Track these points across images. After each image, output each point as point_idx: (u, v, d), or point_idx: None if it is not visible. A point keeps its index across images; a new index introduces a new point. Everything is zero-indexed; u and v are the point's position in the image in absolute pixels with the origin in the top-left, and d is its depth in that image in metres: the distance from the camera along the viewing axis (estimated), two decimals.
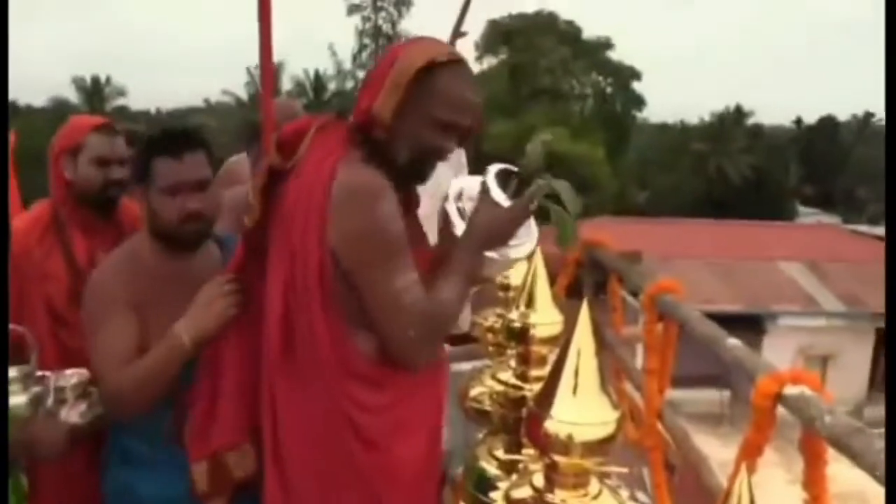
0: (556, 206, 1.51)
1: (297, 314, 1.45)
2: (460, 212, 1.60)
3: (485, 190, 1.54)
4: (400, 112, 1.44)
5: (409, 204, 1.58)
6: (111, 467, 1.76)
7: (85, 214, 2.06)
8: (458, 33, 2.26)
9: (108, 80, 38.13)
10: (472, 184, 1.63)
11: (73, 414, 1.68)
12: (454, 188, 1.64)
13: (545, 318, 2.10)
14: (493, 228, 1.51)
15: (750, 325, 16.39)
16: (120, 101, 38.69)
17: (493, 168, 1.57)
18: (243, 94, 36.82)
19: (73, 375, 1.72)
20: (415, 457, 1.54)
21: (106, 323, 1.64)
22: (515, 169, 1.58)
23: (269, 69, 1.97)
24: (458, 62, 1.49)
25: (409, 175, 1.52)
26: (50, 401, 1.68)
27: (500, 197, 1.53)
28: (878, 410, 16.98)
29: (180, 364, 1.62)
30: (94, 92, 37.56)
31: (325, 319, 1.43)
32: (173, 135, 1.71)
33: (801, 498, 1.42)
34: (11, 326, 1.70)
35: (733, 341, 1.84)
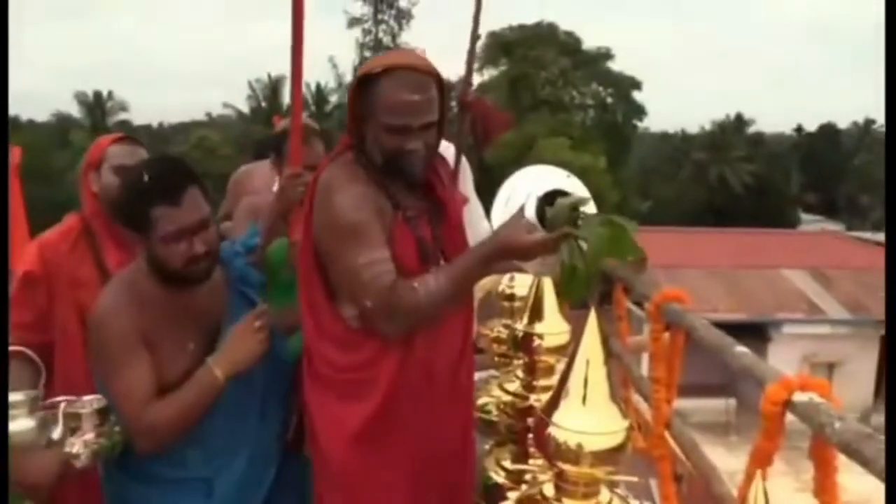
0: (571, 264, 1.46)
1: (303, 292, 1.72)
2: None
3: (520, 210, 1.57)
4: (357, 122, 1.67)
5: (398, 198, 1.67)
6: (129, 486, 1.75)
7: (114, 225, 2.11)
8: (475, 36, 2.28)
9: (110, 94, 38.32)
10: (521, 195, 1.65)
11: (77, 443, 1.64)
12: (503, 194, 1.68)
13: (552, 328, 2.11)
14: (511, 247, 1.53)
15: (755, 334, 16.34)
16: (122, 116, 38.90)
17: (543, 188, 1.58)
18: (244, 107, 36.99)
19: (91, 402, 1.69)
20: (371, 416, 1.63)
21: (127, 362, 1.64)
22: (569, 194, 1.56)
23: (298, 80, 1.99)
24: (397, 69, 1.59)
25: (391, 173, 1.65)
26: (58, 430, 1.65)
27: (532, 219, 1.55)
28: (883, 418, 16.83)
29: (215, 398, 1.67)
30: (97, 106, 37.73)
31: (307, 291, 1.70)
32: (167, 178, 1.65)
33: None
34: (18, 348, 1.70)
35: (741, 349, 1.84)
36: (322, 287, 1.69)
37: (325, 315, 1.69)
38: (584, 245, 1.44)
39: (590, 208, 1.61)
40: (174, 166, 1.71)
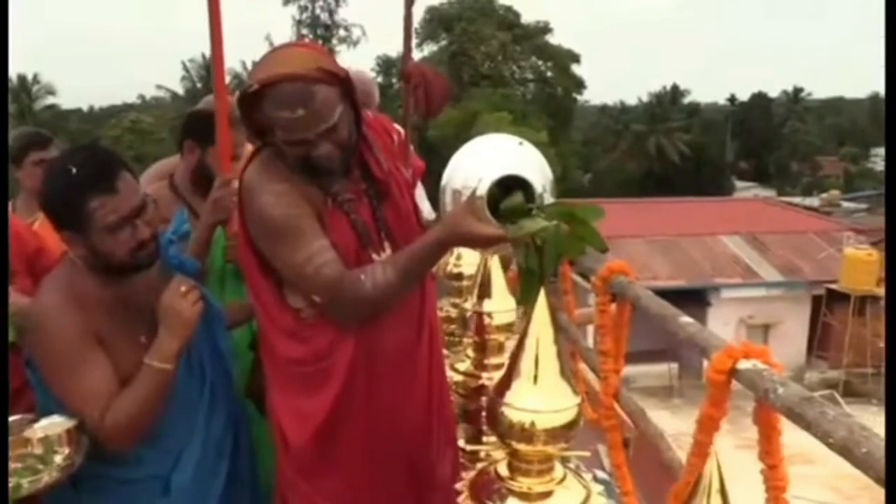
0: (528, 267, 1.43)
1: (250, 287, 1.70)
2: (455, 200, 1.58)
3: (472, 195, 1.50)
4: (257, 135, 1.60)
5: (327, 184, 1.61)
6: (78, 498, 1.65)
7: None
8: (410, 4, 2.22)
9: (35, 77, 36.65)
10: (472, 177, 1.57)
11: (55, 468, 1.50)
12: (456, 175, 1.61)
13: (501, 306, 2.11)
14: (464, 237, 1.50)
15: (694, 299, 16.85)
16: (50, 100, 37.28)
17: (496, 175, 1.49)
18: (179, 89, 35.91)
19: (59, 424, 1.54)
20: (331, 407, 1.62)
21: (81, 365, 1.55)
22: (525, 180, 1.50)
23: (220, 61, 1.92)
24: (273, 84, 1.48)
25: (310, 171, 1.57)
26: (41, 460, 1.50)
27: (484, 205, 1.48)
28: (815, 375, 17.69)
29: (168, 384, 1.60)
30: (22, 90, 36.04)
31: (252, 287, 1.68)
32: (97, 166, 1.54)
33: (759, 470, 1.45)
34: None
35: (685, 319, 1.87)
36: (266, 282, 1.65)
37: (274, 309, 1.66)
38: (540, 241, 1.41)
39: (541, 180, 1.56)
40: (99, 153, 1.60)
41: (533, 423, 1.33)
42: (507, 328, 2.12)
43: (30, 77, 36.40)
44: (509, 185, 1.49)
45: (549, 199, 1.51)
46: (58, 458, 1.49)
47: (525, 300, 1.43)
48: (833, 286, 17.37)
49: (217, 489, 1.75)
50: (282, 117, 1.50)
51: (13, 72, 35.85)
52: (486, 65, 34.41)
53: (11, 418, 1.58)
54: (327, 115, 1.51)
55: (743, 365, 1.51)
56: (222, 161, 2.01)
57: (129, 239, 1.56)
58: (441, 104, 2.19)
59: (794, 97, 51.63)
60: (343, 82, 1.55)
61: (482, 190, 1.47)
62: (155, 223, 1.63)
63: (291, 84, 1.48)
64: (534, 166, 1.52)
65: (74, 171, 1.52)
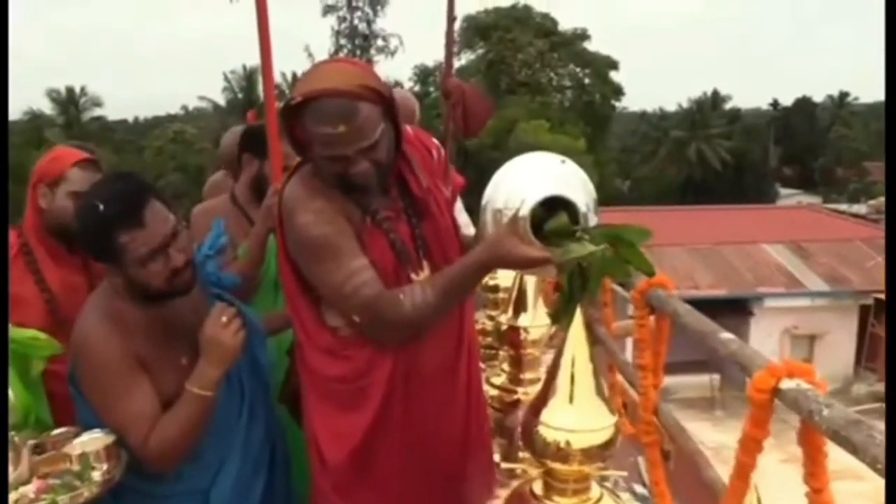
0: (570, 290, 1.40)
1: (289, 303, 1.70)
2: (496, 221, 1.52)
3: (515, 216, 1.45)
4: (297, 147, 1.61)
5: (366, 202, 1.60)
6: None
7: (53, 243, 2.03)
8: (451, 19, 2.21)
9: (83, 89, 37.65)
10: (514, 200, 1.49)
11: (94, 483, 1.52)
12: (497, 195, 1.53)
13: (537, 321, 2.09)
14: (506, 260, 1.46)
15: (736, 309, 16.52)
16: (97, 112, 38.24)
17: (539, 195, 1.44)
18: (220, 100, 36.55)
19: (98, 439, 1.56)
20: (369, 426, 1.61)
21: (126, 389, 1.58)
22: (569, 201, 1.44)
23: (269, 74, 1.93)
24: (316, 98, 1.47)
25: (347, 188, 1.56)
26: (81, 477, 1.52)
27: (527, 226, 1.44)
28: (863, 387, 17.19)
29: (209, 408, 1.62)
30: (70, 102, 37.06)
31: (290, 303, 1.68)
32: (124, 200, 1.54)
33: (804, 493, 1.40)
34: None
35: (727, 335, 1.83)
36: (304, 299, 1.65)
37: (312, 326, 1.66)
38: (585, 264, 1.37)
39: (585, 199, 1.50)
40: (127, 185, 1.59)
41: (568, 443, 1.32)
42: (543, 342, 2.10)
43: (77, 89, 37.46)
44: (552, 205, 1.44)
45: (592, 218, 1.46)
46: (96, 475, 1.51)
47: (560, 321, 1.41)
48: (882, 296, 16.87)
49: (254, 501, 1.76)
50: (322, 132, 1.49)
51: (62, 84, 36.97)
52: (524, 72, 34.32)
53: (56, 431, 1.62)
54: (368, 133, 1.50)
55: (786, 384, 1.47)
56: (275, 171, 2.04)
57: (163, 269, 1.57)
58: (481, 124, 2.15)
59: (840, 101, 50.39)
60: (386, 101, 1.54)
61: (525, 210, 1.42)
62: (190, 248, 1.65)
63: (334, 100, 1.47)
64: (577, 185, 1.47)
65: (102, 207, 1.53)
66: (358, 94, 1.48)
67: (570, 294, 1.40)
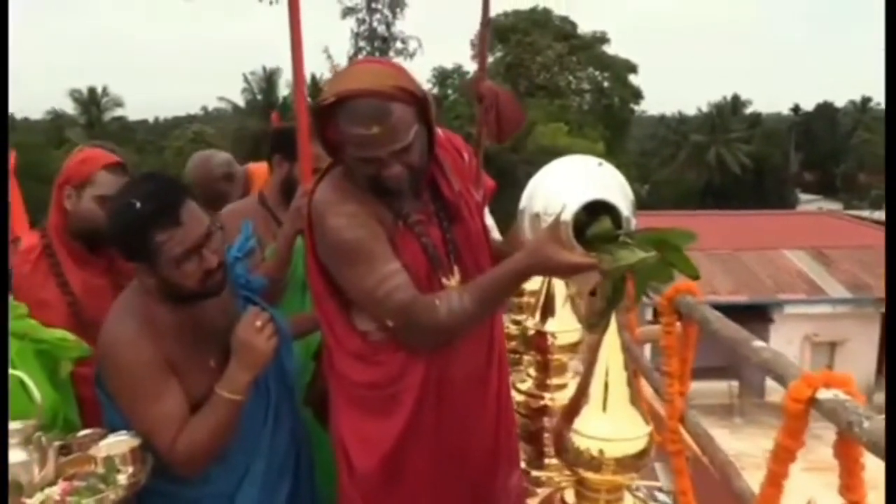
0: (614, 296, 1.38)
1: (317, 307, 1.68)
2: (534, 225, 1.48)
3: (556, 221, 1.40)
4: (329, 149, 1.58)
5: (398, 205, 1.57)
6: None
7: (76, 246, 2.02)
8: (486, 22, 2.19)
9: (104, 90, 38.05)
10: (554, 205, 1.45)
11: (120, 487, 1.50)
12: (535, 202, 1.50)
13: (564, 326, 2.07)
14: (548, 266, 1.42)
15: (756, 315, 16.34)
16: (118, 112, 38.63)
17: (581, 200, 1.39)
18: (240, 101, 36.77)
19: (124, 442, 1.54)
20: (399, 434, 1.59)
21: (156, 392, 1.57)
22: (611, 205, 1.40)
23: (300, 76, 1.93)
24: (349, 98, 1.44)
25: (379, 191, 1.53)
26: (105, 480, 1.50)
27: (569, 230, 1.40)
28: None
29: (238, 412, 1.62)
30: (91, 103, 37.47)
31: (319, 307, 1.66)
32: (161, 198, 1.53)
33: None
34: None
35: (759, 343, 1.80)
36: (333, 303, 1.64)
37: (342, 331, 1.64)
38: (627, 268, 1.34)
39: (626, 203, 1.45)
40: (162, 184, 1.58)
41: (602, 452, 1.30)
42: (571, 348, 2.08)
43: (99, 90, 37.87)
44: (593, 209, 1.39)
45: (633, 222, 1.43)
46: (121, 478, 1.50)
47: (595, 326, 1.39)
48: None
49: None
50: (355, 133, 1.46)
51: (83, 85, 37.38)
52: (542, 75, 34.23)
53: (82, 432, 1.61)
54: (402, 134, 1.47)
55: (823, 395, 1.44)
56: (304, 172, 2.03)
57: (197, 269, 1.56)
58: (514, 128, 2.12)
59: (862, 106, 49.81)
60: (420, 102, 1.51)
61: (567, 215, 1.37)
62: (222, 250, 1.64)
63: (367, 100, 1.44)
64: (616, 188, 1.43)
65: (139, 205, 1.52)
66: (391, 94, 1.45)
67: (612, 300, 1.37)
